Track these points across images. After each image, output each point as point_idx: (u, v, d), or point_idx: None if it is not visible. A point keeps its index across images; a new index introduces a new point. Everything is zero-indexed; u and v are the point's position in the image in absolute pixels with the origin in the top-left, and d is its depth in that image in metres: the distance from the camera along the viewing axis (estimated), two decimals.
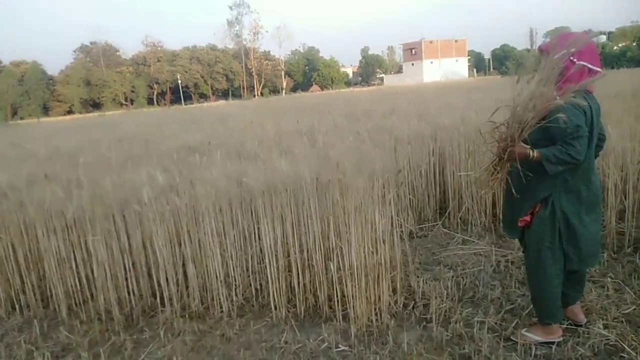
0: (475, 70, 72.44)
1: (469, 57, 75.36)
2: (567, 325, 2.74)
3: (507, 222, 2.77)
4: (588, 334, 2.66)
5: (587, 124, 2.31)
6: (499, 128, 2.49)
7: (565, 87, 2.27)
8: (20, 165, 4.50)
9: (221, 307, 3.29)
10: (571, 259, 2.50)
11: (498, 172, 2.53)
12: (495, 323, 2.87)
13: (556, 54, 2.28)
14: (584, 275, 2.80)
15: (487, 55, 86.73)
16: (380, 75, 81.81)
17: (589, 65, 2.34)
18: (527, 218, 2.54)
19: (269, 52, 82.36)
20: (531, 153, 2.35)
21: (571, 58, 2.30)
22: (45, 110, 65.31)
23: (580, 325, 2.73)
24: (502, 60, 72.00)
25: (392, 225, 3.19)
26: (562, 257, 2.50)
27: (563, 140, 2.27)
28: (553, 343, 2.60)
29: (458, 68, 68.72)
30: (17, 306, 3.58)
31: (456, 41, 71.60)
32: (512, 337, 2.70)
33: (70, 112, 64.23)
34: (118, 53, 74.92)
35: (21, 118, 55.97)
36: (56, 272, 3.42)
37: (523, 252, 2.75)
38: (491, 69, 75.30)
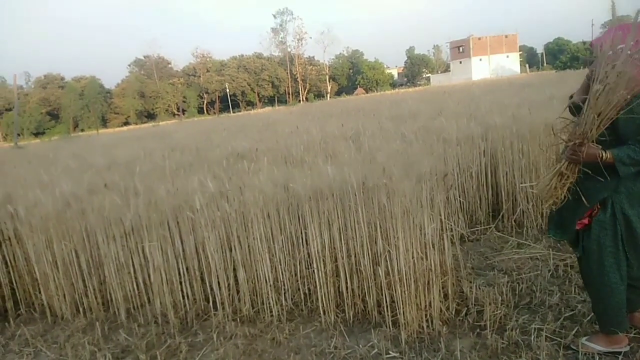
0: (527, 65, 69.73)
1: (521, 53, 72.76)
2: (634, 334, 2.57)
3: (556, 223, 2.59)
4: None
5: None
6: (568, 126, 2.34)
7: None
8: (82, 175, 4.75)
9: (271, 312, 3.34)
10: (632, 265, 2.34)
11: (568, 178, 2.35)
12: (554, 330, 2.74)
13: (610, 50, 2.13)
14: None
15: (539, 50, 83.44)
16: (427, 75, 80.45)
17: None
18: (586, 221, 2.39)
19: (313, 57, 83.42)
20: (603, 154, 2.19)
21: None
22: (104, 122, 68.99)
23: None
24: (556, 55, 68.90)
25: (441, 229, 3.12)
26: (626, 260, 2.34)
27: (636, 139, 2.13)
28: (619, 353, 2.44)
29: (509, 64, 66.52)
30: (80, 309, 3.78)
31: (506, 36, 69.32)
32: (572, 346, 2.56)
33: (126, 123, 67.52)
34: (170, 65, 78.39)
35: (82, 130, 59.46)
36: (115, 277, 3.60)
37: (577, 256, 2.57)
38: (544, 64, 72.36)
